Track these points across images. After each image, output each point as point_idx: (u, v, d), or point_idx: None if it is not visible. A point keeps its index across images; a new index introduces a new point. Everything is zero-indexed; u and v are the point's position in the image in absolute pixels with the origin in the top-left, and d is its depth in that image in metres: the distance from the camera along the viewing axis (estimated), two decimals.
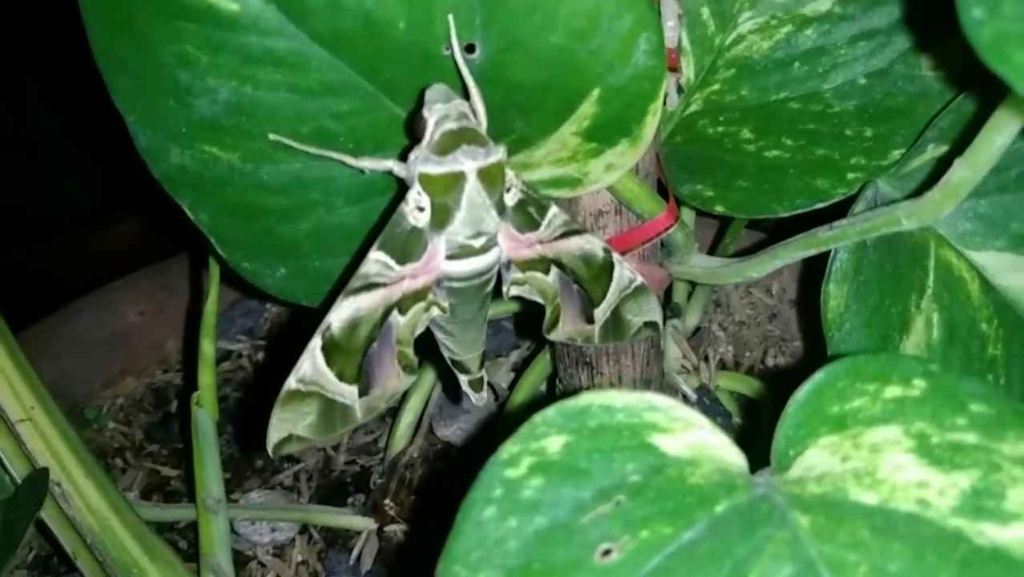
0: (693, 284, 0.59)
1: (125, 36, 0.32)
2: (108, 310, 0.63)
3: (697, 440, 0.28)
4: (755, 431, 0.54)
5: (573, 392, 0.46)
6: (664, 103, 0.42)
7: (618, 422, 0.28)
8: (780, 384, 0.58)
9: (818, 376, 0.28)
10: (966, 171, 0.31)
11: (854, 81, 0.43)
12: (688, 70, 0.46)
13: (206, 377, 0.47)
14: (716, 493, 0.27)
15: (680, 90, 0.44)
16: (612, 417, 0.28)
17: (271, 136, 0.33)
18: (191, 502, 0.52)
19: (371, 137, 0.35)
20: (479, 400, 0.38)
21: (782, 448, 0.28)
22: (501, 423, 0.52)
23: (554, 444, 0.27)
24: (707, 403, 0.54)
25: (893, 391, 0.27)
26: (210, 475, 0.48)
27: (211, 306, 0.46)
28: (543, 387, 0.55)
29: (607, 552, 0.24)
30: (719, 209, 0.43)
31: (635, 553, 0.24)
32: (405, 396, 0.56)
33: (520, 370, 0.58)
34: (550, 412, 0.27)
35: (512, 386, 0.56)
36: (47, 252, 0.78)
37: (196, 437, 0.47)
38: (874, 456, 0.27)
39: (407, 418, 0.55)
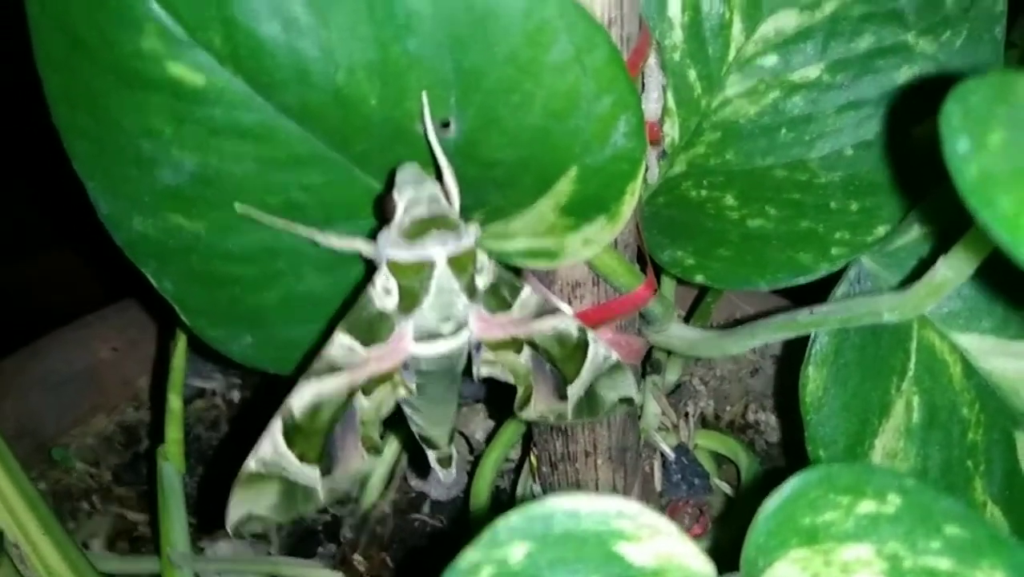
0: None
1: (87, 106, 0.31)
2: (79, 346, 0.61)
3: (664, 549, 0.27)
4: (731, 498, 0.53)
5: (547, 456, 0.45)
6: (645, 178, 0.41)
7: (584, 530, 0.27)
8: (758, 447, 0.58)
9: (790, 484, 0.27)
10: (949, 271, 0.30)
11: (841, 151, 0.42)
12: (673, 131, 0.45)
13: (173, 432, 0.46)
14: None
15: (664, 155, 0.44)
16: (578, 524, 0.27)
17: (237, 207, 0.32)
18: (158, 550, 0.50)
19: (343, 208, 0.34)
20: (447, 477, 0.37)
21: (752, 557, 0.28)
22: (472, 489, 0.51)
23: (516, 553, 0.26)
24: (686, 463, 0.53)
25: (867, 506, 0.26)
26: (175, 529, 0.47)
27: (178, 363, 0.45)
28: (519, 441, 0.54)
29: None
30: (699, 279, 0.42)
31: None
32: None
33: (499, 418, 0.57)
34: (514, 517, 0.26)
35: (489, 438, 0.55)
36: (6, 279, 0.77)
37: (162, 491, 0.46)
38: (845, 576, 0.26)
39: (379, 470, 0.54)
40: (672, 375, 0.58)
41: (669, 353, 0.58)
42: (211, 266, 0.34)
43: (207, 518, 0.56)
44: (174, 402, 0.45)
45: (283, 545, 0.55)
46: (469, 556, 0.26)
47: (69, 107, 0.31)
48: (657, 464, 0.53)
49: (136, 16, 0.28)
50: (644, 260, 0.41)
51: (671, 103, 0.44)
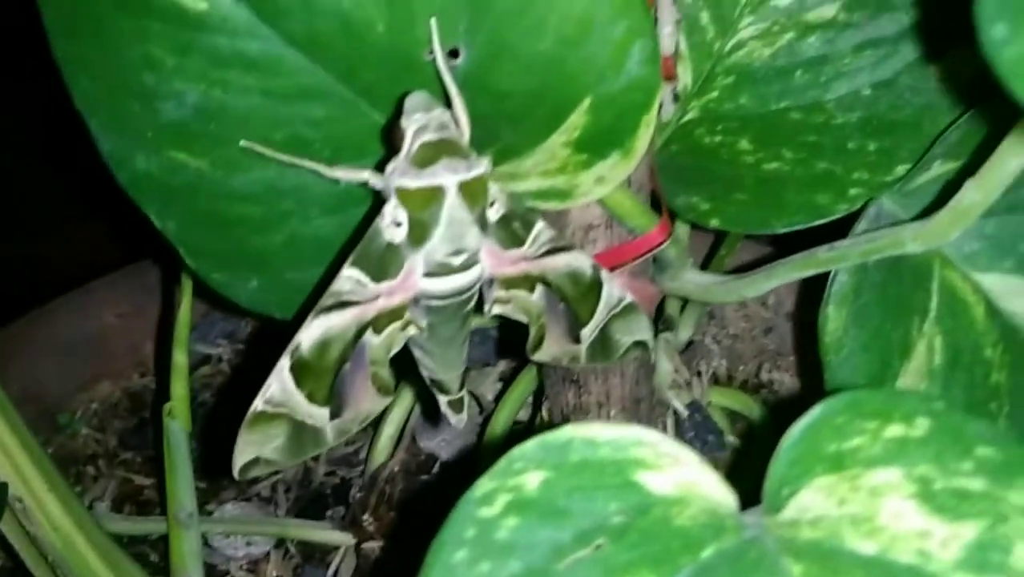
0: None
1: (87, 36, 0.30)
2: (85, 312, 0.61)
3: (685, 478, 0.26)
4: (748, 451, 0.52)
5: (559, 410, 0.45)
6: (659, 113, 0.40)
7: (602, 458, 0.26)
8: (774, 404, 0.57)
9: (815, 411, 0.27)
10: (977, 194, 0.29)
11: (858, 92, 0.41)
12: (686, 76, 0.44)
13: (178, 388, 0.45)
14: (703, 536, 0.25)
15: (676, 99, 0.43)
16: (595, 452, 0.26)
17: (242, 143, 0.31)
18: (164, 513, 0.50)
19: (350, 145, 0.33)
20: (459, 422, 0.36)
21: (775, 487, 0.27)
22: (484, 442, 0.51)
23: (532, 481, 0.25)
24: (699, 420, 0.52)
25: (895, 430, 0.26)
26: (182, 488, 0.46)
27: (183, 316, 0.44)
28: (530, 400, 0.53)
29: None
30: (715, 223, 0.41)
31: None
32: (387, 407, 0.54)
33: (508, 380, 0.56)
34: (529, 446, 0.26)
35: (499, 398, 0.54)
36: (19, 252, 0.76)
37: (168, 449, 0.46)
38: (873, 501, 0.25)
39: (388, 430, 0.53)
40: (685, 333, 0.57)
41: (682, 310, 0.57)
42: (215, 206, 0.34)
43: (214, 482, 0.55)
44: (179, 357, 0.44)
45: (291, 508, 0.54)
46: (484, 485, 0.25)
47: (69, 37, 0.30)
48: (670, 421, 0.52)
49: None
50: (658, 204, 0.40)
51: (683, 47, 0.43)
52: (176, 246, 0.35)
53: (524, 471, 0.25)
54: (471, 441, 0.55)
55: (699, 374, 0.54)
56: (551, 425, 0.46)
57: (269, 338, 0.63)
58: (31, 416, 0.54)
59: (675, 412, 0.52)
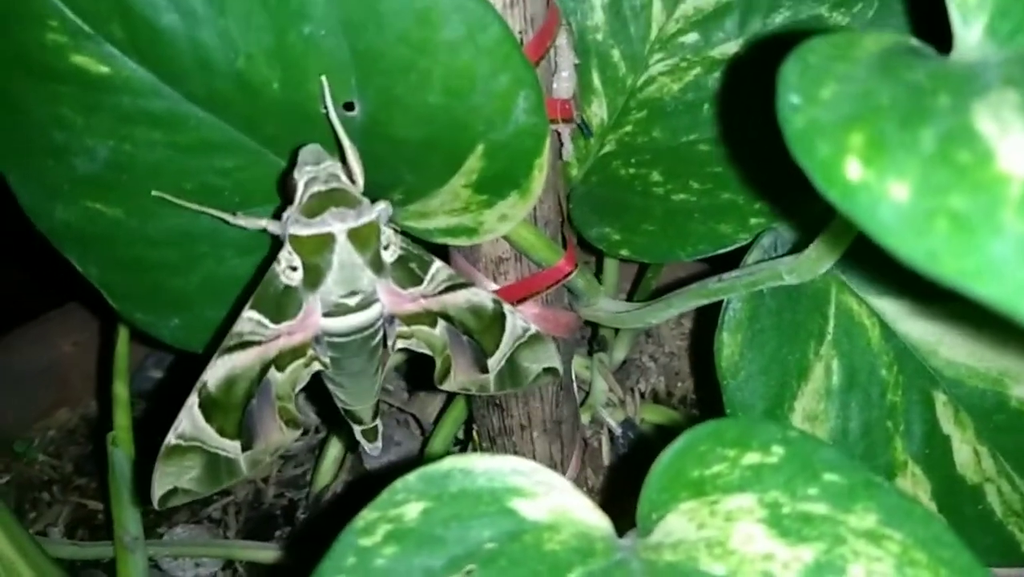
0: None
1: None
2: (42, 341, 0.62)
3: (559, 504, 0.28)
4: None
5: (486, 432, 0.46)
6: (561, 155, 0.42)
7: (479, 487, 0.28)
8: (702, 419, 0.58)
9: (681, 439, 0.28)
10: (838, 234, 0.31)
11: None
12: (602, 110, 0.46)
13: (121, 418, 0.47)
14: (571, 560, 0.27)
15: (588, 133, 0.44)
16: (473, 482, 0.28)
17: (153, 193, 0.33)
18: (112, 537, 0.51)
19: (258, 190, 0.35)
20: (374, 451, 0.38)
21: (646, 511, 0.28)
22: (424, 461, 0.52)
23: (412, 511, 0.27)
24: (631, 437, 0.54)
25: (752, 457, 0.27)
26: (126, 513, 0.48)
27: (121, 349, 0.46)
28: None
29: None
30: (624, 253, 0.43)
31: None
32: (331, 430, 0.56)
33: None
34: (411, 477, 0.28)
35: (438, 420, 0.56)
36: None
37: (112, 477, 0.47)
38: (727, 525, 0.27)
39: (332, 452, 0.55)
40: (620, 352, 0.59)
41: (616, 331, 0.59)
42: (133, 251, 0.35)
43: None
44: (120, 390, 0.46)
45: (241, 529, 0.56)
46: (366, 515, 0.27)
47: None
48: (605, 439, 0.54)
49: (37, 10, 0.29)
50: (566, 237, 0.42)
51: (597, 83, 0.45)
52: (100, 289, 0.36)
53: (405, 501, 0.27)
54: (413, 457, 0.57)
55: (632, 392, 0.56)
56: (481, 447, 0.48)
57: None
58: None
59: (609, 429, 0.54)
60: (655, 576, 0.27)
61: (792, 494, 0.26)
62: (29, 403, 0.62)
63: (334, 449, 0.55)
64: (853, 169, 0.19)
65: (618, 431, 0.54)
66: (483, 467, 0.28)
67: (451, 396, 0.60)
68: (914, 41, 0.25)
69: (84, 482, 0.60)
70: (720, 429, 0.28)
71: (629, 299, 0.58)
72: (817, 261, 0.33)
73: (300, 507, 0.56)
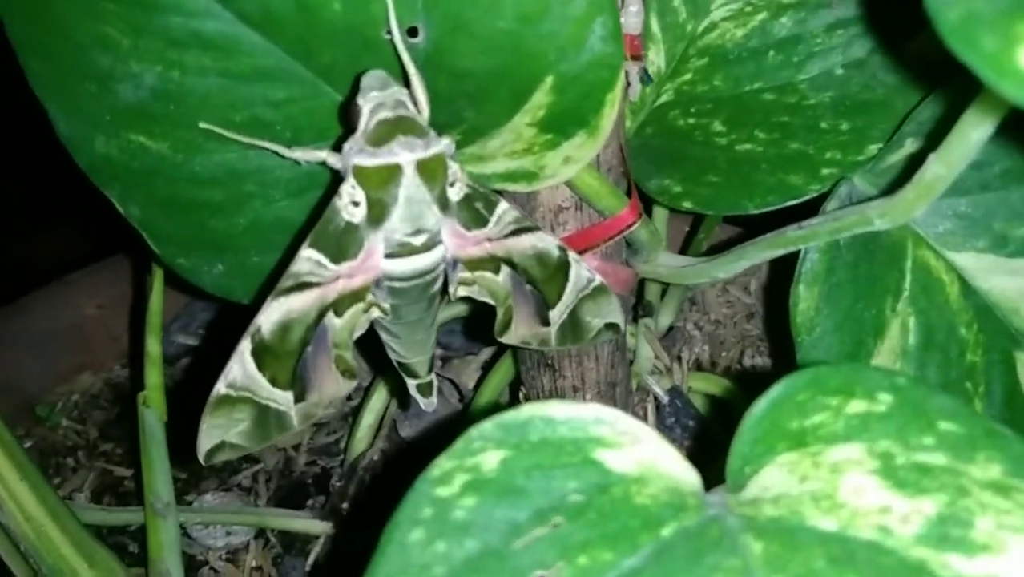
0: None
1: (40, 18, 0.30)
2: (64, 303, 0.60)
3: (646, 456, 0.26)
4: (726, 436, 0.52)
5: (536, 395, 0.44)
6: (627, 94, 0.40)
7: (561, 436, 0.26)
8: (754, 388, 0.56)
9: (777, 388, 0.26)
10: (940, 168, 0.29)
11: (830, 72, 0.41)
12: (659, 59, 0.44)
13: (153, 377, 0.44)
14: (663, 515, 0.25)
15: (646, 79, 0.42)
16: (554, 431, 0.26)
17: (201, 124, 0.31)
18: (142, 503, 0.50)
19: (310, 126, 0.33)
20: (428, 406, 0.36)
21: (737, 466, 0.26)
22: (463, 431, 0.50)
23: (491, 460, 0.25)
24: (679, 405, 0.52)
25: (857, 406, 0.25)
26: (158, 478, 0.46)
27: (155, 304, 0.44)
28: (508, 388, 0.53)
29: None
30: (687, 205, 0.41)
31: None
32: (367, 395, 0.54)
33: (489, 368, 0.56)
34: (488, 425, 0.25)
35: (478, 386, 0.54)
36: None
37: (143, 439, 0.46)
38: (834, 477, 0.25)
39: (368, 419, 0.53)
40: (665, 319, 0.57)
41: (662, 296, 0.57)
42: (177, 190, 0.33)
43: (194, 472, 0.55)
44: (152, 347, 0.44)
45: (272, 498, 0.54)
46: (441, 464, 0.25)
47: (23, 21, 0.30)
48: (651, 407, 0.52)
49: None
50: (630, 186, 0.40)
51: (656, 29, 0.43)
52: (140, 231, 0.34)
53: (482, 450, 0.25)
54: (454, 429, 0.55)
55: (679, 359, 0.54)
56: None
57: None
58: (10, 409, 0.54)
59: (656, 398, 0.52)
60: (757, 532, 0.24)
61: (905, 444, 0.24)
62: (51, 366, 0.60)
63: (370, 416, 0.53)
64: None
65: (665, 399, 0.52)
66: (565, 415, 0.26)
67: (489, 364, 0.58)
68: None
69: (110, 448, 0.58)
70: (820, 376, 0.26)
71: None
72: (914, 202, 0.30)
73: (334, 475, 0.54)
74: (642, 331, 0.53)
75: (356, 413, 0.54)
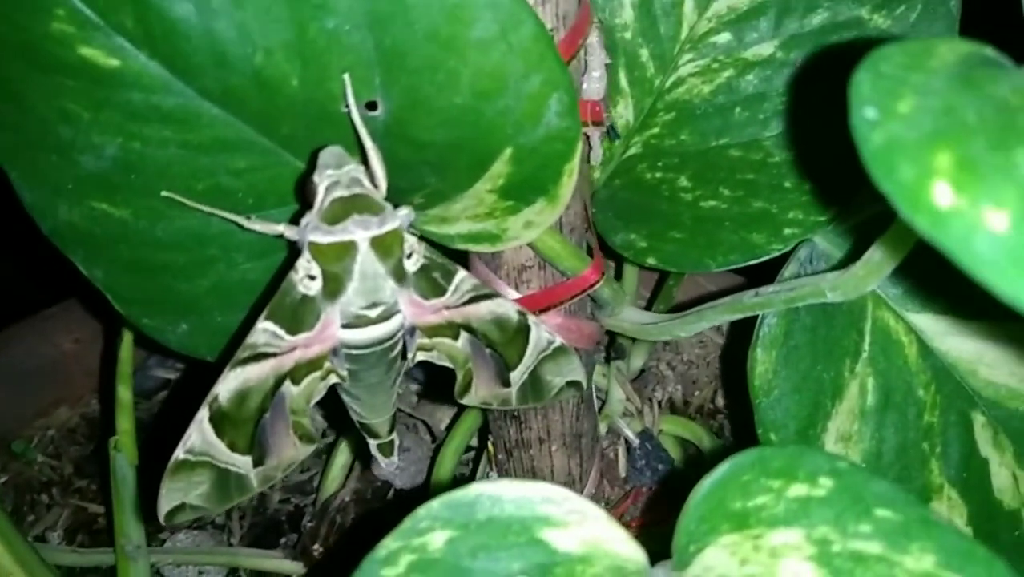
0: None
1: (2, 90, 0.30)
2: (42, 338, 0.61)
3: (591, 535, 0.26)
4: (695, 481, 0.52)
5: (503, 444, 0.45)
6: (588, 158, 0.40)
7: (508, 515, 0.26)
8: (723, 436, 0.57)
9: (722, 468, 0.27)
10: (887, 251, 0.29)
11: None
12: (628, 112, 0.44)
13: (123, 422, 0.45)
14: None
15: (613, 134, 0.43)
16: (502, 510, 0.26)
17: (163, 193, 0.32)
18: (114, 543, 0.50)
19: (273, 192, 0.33)
20: (389, 465, 0.36)
21: (683, 543, 0.27)
22: (433, 473, 0.51)
23: (437, 540, 0.25)
24: (649, 448, 0.52)
25: (798, 489, 0.26)
26: (129, 521, 0.46)
27: (125, 353, 0.44)
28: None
29: None
30: (651, 261, 0.41)
31: None
32: (339, 435, 0.54)
33: (463, 408, 0.56)
34: (435, 504, 0.26)
35: (452, 424, 0.54)
36: None
37: (114, 483, 0.46)
38: (773, 561, 0.25)
39: (340, 459, 0.53)
40: (637, 361, 0.57)
41: (634, 339, 0.57)
42: (141, 254, 0.34)
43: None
44: (123, 393, 0.44)
45: (246, 536, 0.55)
46: (388, 544, 0.25)
47: None
48: (621, 450, 0.53)
49: None
50: (594, 244, 0.40)
51: (624, 83, 0.44)
52: (104, 292, 0.35)
53: (430, 530, 0.26)
54: (424, 468, 0.55)
55: (651, 401, 0.54)
56: (496, 459, 0.47)
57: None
58: None
59: (626, 441, 0.52)
60: None
61: (843, 531, 0.25)
62: (28, 401, 0.60)
63: (342, 456, 0.54)
64: (943, 194, 0.17)
65: (635, 442, 0.52)
66: (512, 494, 0.26)
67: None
68: (989, 50, 0.23)
69: (84, 484, 0.58)
70: (764, 458, 0.27)
71: (648, 308, 0.56)
72: (864, 279, 0.31)
73: (306, 514, 0.54)
74: (613, 373, 0.53)
75: (331, 450, 0.55)
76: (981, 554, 0.24)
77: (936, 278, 0.39)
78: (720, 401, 0.59)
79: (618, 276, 0.53)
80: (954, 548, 0.24)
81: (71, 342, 0.61)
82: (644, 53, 0.43)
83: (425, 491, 0.54)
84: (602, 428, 0.52)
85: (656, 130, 0.44)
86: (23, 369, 0.60)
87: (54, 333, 0.61)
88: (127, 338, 0.44)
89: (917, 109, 0.20)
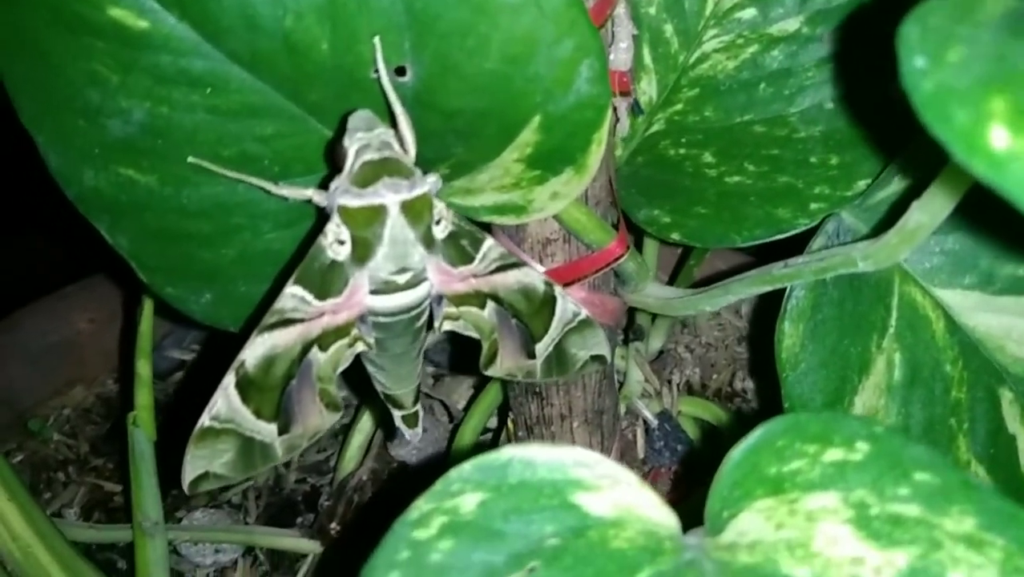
0: None
1: (29, 53, 0.30)
2: (57, 317, 0.61)
3: (624, 499, 0.26)
4: (715, 461, 0.52)
5: (523, 421, 0.45)
6: (615, 129, 0.40)
7: (540, 479, 0.26)
8: (742, 415, 0.57)
9: (756, 433, 0.26)
10: (923, 216, 0.29)
11: (821, 105, 0.41)
12: (651, 88, 0.44)
13: (142, 397, 0.45)
14: (639, 559, 0.25)
15: (637, 110, 0.42)
16: (534, 473, 0.26)
17: (190, 159, 0.31)
18: (131, 520, 0.50)
19: (299, 160, 0.33)
20: (414, 437, 0.36)
21: (716, 509, 0.27)
22: (452, 452, 0.51)
23: (469, 502, 0.25)
24: (668, 429, 0.52)
25: (834, 454, 0.26)
26: (146, 498, 0.46)
27: (145, 327, 0.44)
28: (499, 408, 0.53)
29: None
30: (675, 237, 0.41)
31: None
32: (357, 415, 0.54)
33: (480, 387, 0.56)
34: (467, 467, 0.26)
35: (469, 405, 0.54)
36: None
37: (133, 459, 0.46)
38: (809, 525, 0.25)
39: (358, 439, 0.53)
40: (656, 342, 0.57)
41: (653, 320, 0.57)
42: (166, 221, 0.33)
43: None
44: (142, 368, 0.44)
45: (262, 515, 0.54)
46: (419, 506, 0.25)
47: (11, 56, 0.30)
48: (640, 431, 0.52)
49: None
50: (619, 218, 0.40)
51: (648, 60, 0.43)
52: (129, 261, 0.34)
53: (461, 492, 0.25)
54: (442, 448, 0.55)
55: (669, 383, 0.54)
56: (516, 436, 0.46)
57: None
58: (2, 422, 0.54)
59: (645, 422, 0.52)
60: None
61: (880, 494, 0.25)
62: (43, 380, 0.60)
63: (359, 435, 0.53)
64: (999, 137, 0.17)
65: (654, 423, 0.52)
66: (544, 458, 0.26)
67: (479, 382, 0.58)
68: None
69: (101, 463, 0.58)
70: (800, 423, 0.26)
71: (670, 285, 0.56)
72: (896, 247, 0.31)
73: (323, 493, 0.54)
74: (632, 354, 0.53)
75: (347, 431, 0.55)
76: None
77: (963, 254, 0.39)
78: (738, 384, 0.58)
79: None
80: (996, 510, 0.23)
81: (86, 322, 0.61)
82: (668, 28, 0.43)
83: (443, 470, 0.54)
84: (621, 409, 0.52)
85: (680, 106, 0.43)
86: (39, 348, 0.60)
87: (69, 313, 0.61)
88: (147, 312, 0.44)
89: (968, 57, 0.19)
